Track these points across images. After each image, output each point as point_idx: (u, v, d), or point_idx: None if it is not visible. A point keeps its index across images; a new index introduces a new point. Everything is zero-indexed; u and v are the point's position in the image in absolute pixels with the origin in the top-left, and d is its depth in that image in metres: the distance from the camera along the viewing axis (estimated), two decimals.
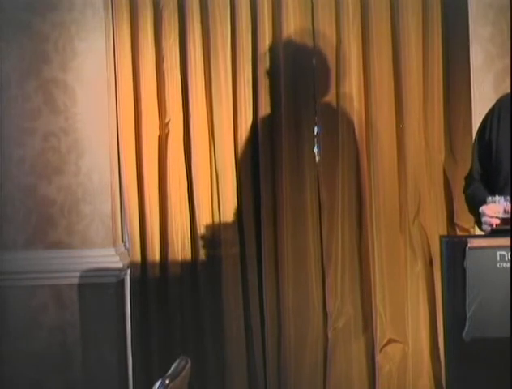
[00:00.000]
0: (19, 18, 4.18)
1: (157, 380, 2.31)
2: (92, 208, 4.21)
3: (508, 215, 2.84)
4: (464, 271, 2.68)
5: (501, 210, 2.85)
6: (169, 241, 4.34)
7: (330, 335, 4.35)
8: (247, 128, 4.35)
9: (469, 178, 3.32)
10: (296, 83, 4.36)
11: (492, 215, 2.87)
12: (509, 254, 2.65)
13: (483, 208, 2.92)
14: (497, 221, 2.85)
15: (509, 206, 2.84)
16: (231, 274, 4.34)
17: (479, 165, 3.23)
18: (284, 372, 4.34)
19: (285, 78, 4.34)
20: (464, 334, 2.67)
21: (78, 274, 4.18)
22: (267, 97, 4.36)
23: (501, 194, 2.92)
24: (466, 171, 4.30)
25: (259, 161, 4.36)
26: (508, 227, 2.78)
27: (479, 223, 3.02)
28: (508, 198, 2.85)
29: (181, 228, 4.34)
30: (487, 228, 2.91)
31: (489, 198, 2.89)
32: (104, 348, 4.19)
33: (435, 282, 4.29)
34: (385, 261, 4.33)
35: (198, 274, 4.35)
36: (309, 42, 4.36)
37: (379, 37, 4.32)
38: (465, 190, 3.34)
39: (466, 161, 4.22)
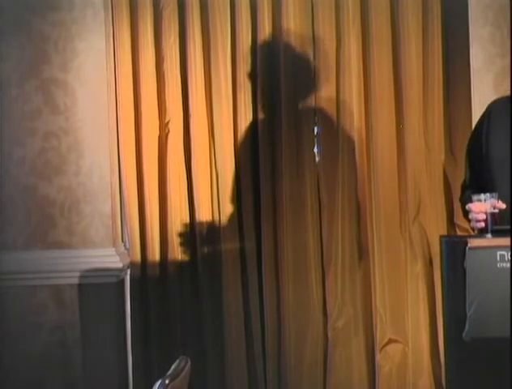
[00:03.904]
0: (19, 18, 4.18)
1: (157, 380, 2.31)
2: (92, 208, 4.21)
3: (496, 210, 2.85)
4: (464, 271, 2.68)
5: (488, 205, 2.87)
6: (169, 240, 4.34)
7: (330, 335, 4.35)
8: (247, 128, 4.35)
9: (463, 187, 3.35)
10: (296, 83, 4.36)
11: (478, 211, 2.88)
12: (509, 254, 2.65)
13: (469, 205, 2.94)
14: (483, 216, 2.87)
15: (495, 201, 2.85)
16: (231, 274, 4.34)
17: (470, 172, 3.26)
18: (284, 372, 4.34)
19: (285, 78, 4.34)
20: (464, 334, 2.68)
21: (78, 274, 4.18)
22: (267, 97, 4.36)
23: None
24: None
25: (259, 161, 4.36)
26: (508, 227, 2.79)
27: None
28: (493, 194, 2.87)
29: (181, 228, 4.34)
30: (475, 224, 2.93)
31: (475, 197, 2.92)
32: (104, 348, 4.19)
33: (435, 282, 4.30)
34: (385, 261, 4.33)
35: (198, 274, 4.35)
36: (309, 42, 4.36)
37: (379, 38, 4.32)
38: (460, 199, 3.37)
39: None
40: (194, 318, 4.35)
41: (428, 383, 4.34)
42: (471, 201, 2.95)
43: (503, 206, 2.87)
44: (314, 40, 4.36)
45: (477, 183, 3.20)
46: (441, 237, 2.90)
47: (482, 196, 2.90)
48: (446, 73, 4.36)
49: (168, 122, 4.36)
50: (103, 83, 4.24)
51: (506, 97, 3.20)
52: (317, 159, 4.40)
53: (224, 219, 4.35)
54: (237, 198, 4.36)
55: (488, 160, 3.12)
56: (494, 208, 2.86)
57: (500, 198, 2.89)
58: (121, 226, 4.37)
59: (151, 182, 4.34)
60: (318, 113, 4.40)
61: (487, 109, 3.24)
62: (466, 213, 3.22)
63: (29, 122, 4.21)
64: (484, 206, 2.88)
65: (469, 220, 3.09)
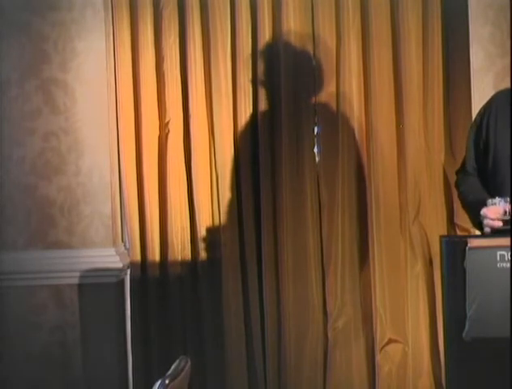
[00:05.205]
0: (19, 18, 4.18)
1: (157, 380, 2.31)
2: (92, 208, 4.21)
3: (508, 217, 2.85)
4: (464, 271, 2.68)
5: (502, 211, 2.86)
6: (169, 241, 4.34)
7: (330, 335, 4.35)
8: (247, 128, 4.35)
9: (462, 173, 3.31)
10: (296, 83, 4.36)
11: (494, 217, 2.87)
12: (509, 254, 2.65)
13: (484, 211, 2.92)
14: (500, 224, 2.86)
15: (509, 207, 2.85)
16: (231, 274, 4.34)
17: (474, 161, 3.23)
18: (284, 372, 4.34)
19: (285, 78, 4.34)
20: (464, 334, 2.68)
21: (78, 274, 4.18)
22: (267, 97, 4.36)
23: (498, 193, 2.94)
24: None
25: (259, 161, 4.36)
26: (508, 227, 2.79)
27: (474, 221, 3.04)
28: (507, 199, 2.87)
29: (181, 229, 4.34)
30: (488, 230, 2.91)
31: (489, 201, 2.91)
32: (104, 348, 4.19)
33: (435, 282, 4.29)
34: (385, 261, 4.33)
35: (198, 274, 4.35)
36: (309, 42, 4.36)
37: (379, 37, 4.32)
38: (458, 185, 3.32)
39: None
40: (194, 318, 4.35)
41: (428, 383, 4.34)
42: (478, 204, 2.94)
43: None
44: (314, 39, 4.35)
45: (481, 174, 3.17)
46: (441, 237, 2.89)
47: (497, 200, 2.89)
48: (446, 72, 4.36)
49: (168, 122, 4.36)
50: (103, 83, 4.24)
51: (510, 89, 3.18)
52: (317, 159, 4.40)
53: (224, 219, 4.35)
54: (237, 198, 4.36)
55: (497, 154, 3.10)
56: (507, 214, 2.85)
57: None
58: (121, 226, 4.37)
59: (151, 182, 4.34)
60: (318, 113, 4.40)
61: (492, 99, 3.22)
62: (465, 204, 3.21)
63: (29, 122, 4.21)
64: (498, 210, 2.87)
65: (467, 212, 3.09)
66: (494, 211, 2.88)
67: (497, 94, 3.27)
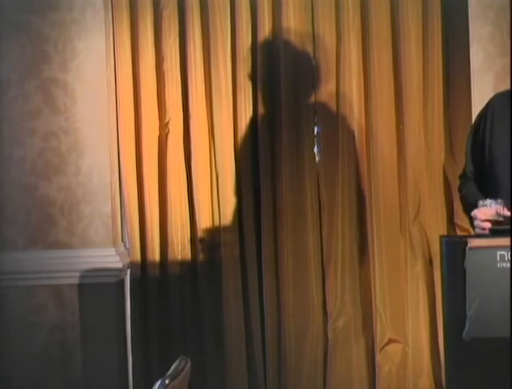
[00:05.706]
0: (19, 18, 4.18)
1: (157, 380, 2.31)
2: (92, 208, 4.21)
3: (501, 218, 2.85)
4: (464, 271, 2.68)
5: (493, 213, 2.86)
6: (169, 241, 4.34)
7: (330, 335, 4.35)
8: (247, 128, 4.35)
9: (463, 177, 3.33)
10: (296, 83, 4.36)
11: (484, 218, 2.88)
12: (509, 254, 2.65)
13: (474, 212, 2.94)
14: (489, 225, 2.87)
15: (501, 208, 2.85)
16: (231, 274, 4.34)
17: (472, 165, 3.24)
18: (284, 372, 4.34)
19: (285, 78, 4.34)
20: (464, 334, 2.68)
21: (78, 274, 4.18)
22: (267, 97, 4.36)
23: (494, 195, 2.94)
24: None
25: (259, 161, 4.36)
26: (508, 226, 2.79)
27: (472, 224, 3.05)
28: (499, 200, 2.87)
29: (181, 228, 4.34)
30: (479, 231, 2.92)
31: (480, 202, 2.92)
32: (104, 348, 4.19)
33: (435, 282, 4.29)
34: (385, 261, 4.33)
35: (198, 274, 4.35)
36: (309, 42, 4.36)
37: (379, 37, 4.32)
38: (460, 190, 3.35)
39: None
40: (194, 318, 4.35)
41: (428, 383, 4.34)
42: (476, 206, 2.95)
43: (508, 213, 2.87)
44: (314, 39, 4.35)
45: (479, 176, 3.18)
46: (441, 237, 2.90)
47: (488, 202, 2.89)
48: (446, 72, 4.36)
49: (168, 122, 4.36)
50: (103, 82, 4.24)
51: (508, 91, 3.18)
52: (317, 159, 4.40)
53: (224, 219, 4.35)
54: (237, 198, 4.36)
55: (492, 156, 3.10)
56: (499, 215, 2.86)
57: (505, 202, 2.89)
58: (121, 226, 4.37)
59: (151, 182, 4.34)
60: (318, 113, 4.40)
61: (490, 101, 3.22)
62: (465, 206, 3.22)
63: (29, 122, 4.21)
64: (489, 211, 2.87)
65: (468, 215, 3.10)
66: (484, 213, 2.89)
67: (495, 96, 3.28)
